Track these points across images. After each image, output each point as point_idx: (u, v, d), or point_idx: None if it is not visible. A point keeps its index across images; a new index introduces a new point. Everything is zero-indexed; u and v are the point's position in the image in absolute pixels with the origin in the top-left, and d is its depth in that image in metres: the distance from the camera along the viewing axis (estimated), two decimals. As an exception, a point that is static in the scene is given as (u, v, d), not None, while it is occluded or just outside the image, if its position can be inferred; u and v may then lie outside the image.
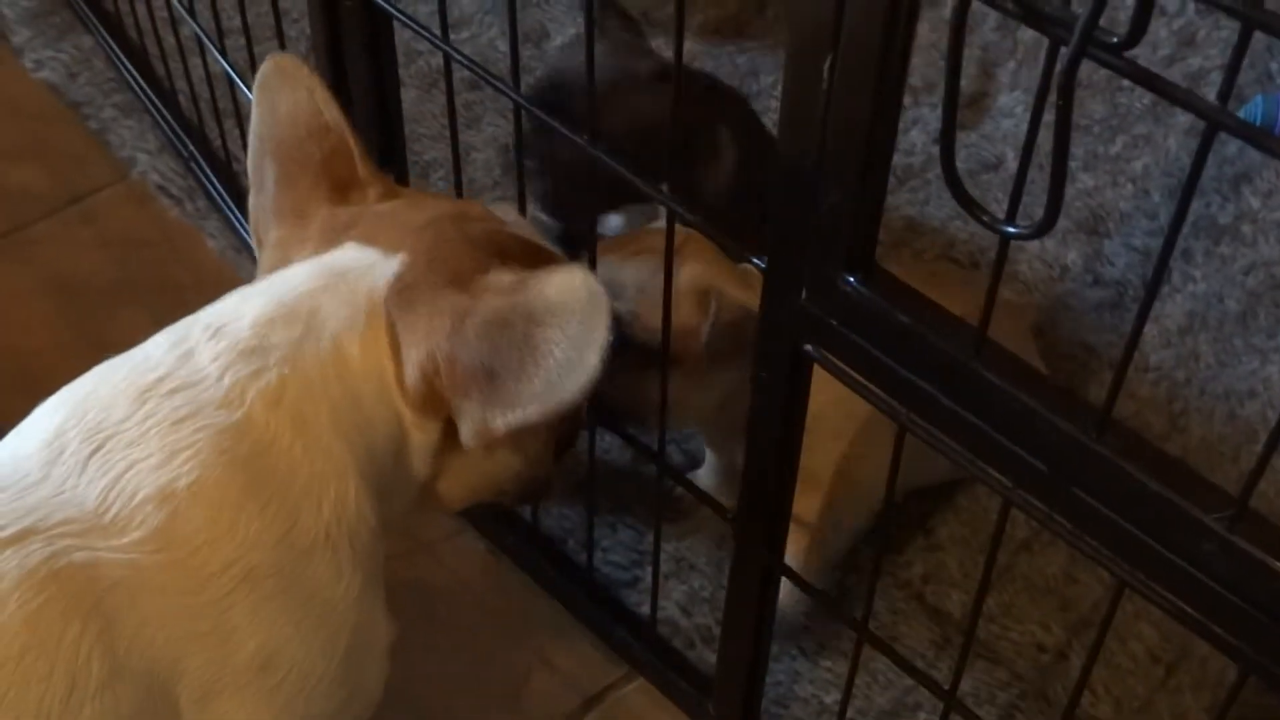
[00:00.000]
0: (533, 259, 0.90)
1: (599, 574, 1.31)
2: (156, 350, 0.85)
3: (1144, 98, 1.79)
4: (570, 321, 0.80)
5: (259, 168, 0.95)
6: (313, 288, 0.86)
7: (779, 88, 1.22)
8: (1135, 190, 1.69)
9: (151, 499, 0.78)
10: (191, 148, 1.68)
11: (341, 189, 0.93)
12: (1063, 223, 1.62)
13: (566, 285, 0.80)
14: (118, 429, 0.80)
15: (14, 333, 1.58)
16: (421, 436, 0.86)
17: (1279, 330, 1.54)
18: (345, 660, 0.85)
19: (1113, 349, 1.51)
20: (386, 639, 0.90)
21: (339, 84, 1.14)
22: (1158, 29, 1.88)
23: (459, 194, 1.20)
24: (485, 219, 0.95)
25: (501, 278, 0.84)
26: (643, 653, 1.27)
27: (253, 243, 0.97)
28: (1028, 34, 1.85)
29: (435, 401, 0.84)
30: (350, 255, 0.88)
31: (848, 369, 0.86)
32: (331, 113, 0.93)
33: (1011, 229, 0.70)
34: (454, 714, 1.27)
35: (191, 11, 1.50)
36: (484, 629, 1.32)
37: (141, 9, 1.68)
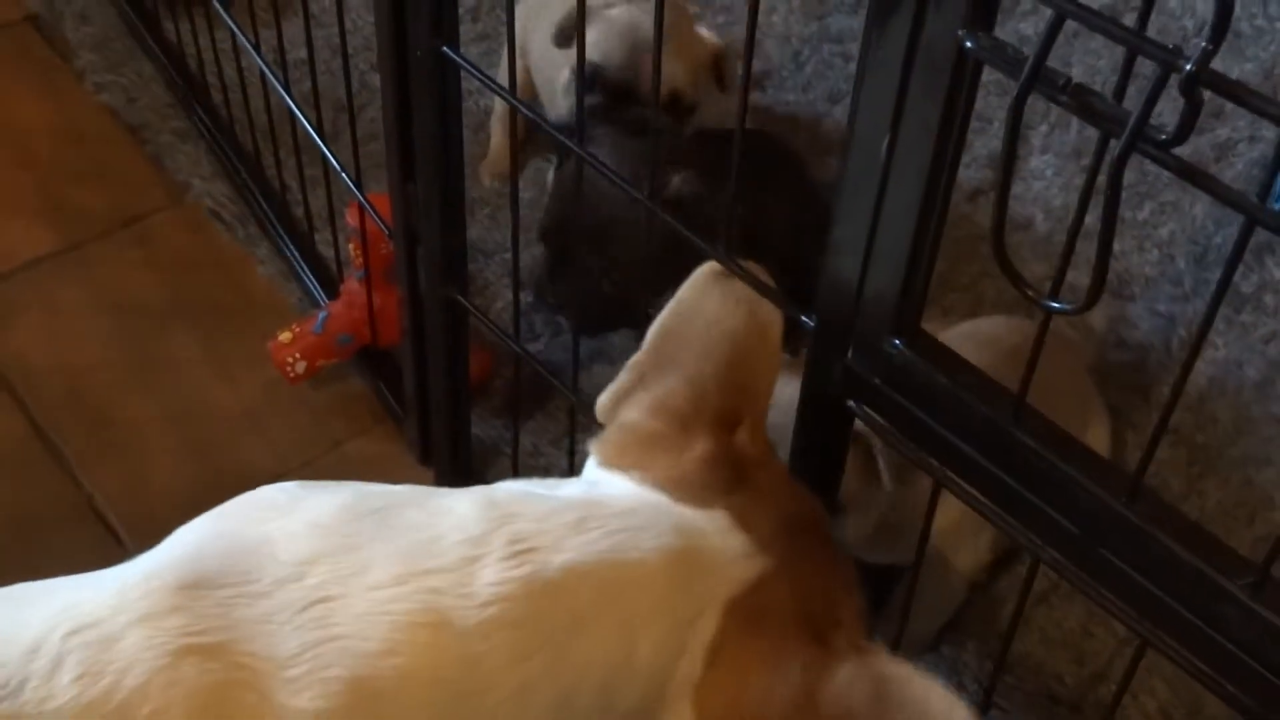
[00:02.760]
0: (848, 585, 0.84)
1: None
2: (454, 534, 0.76)
3: (1172, 166, 1.83)
4: None
5: (670, 350, 0.88)
6: (660, 562, 0.77)
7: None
8: (1161, 256, 1.73)
9: (339, 680, 0.71)
10: (245, 175, 1.73)
11: (732, 427, 0.86)
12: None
13: (949, 713, 0.74)
14: (352, 592, 0.73)
15: (68, 349, 1.63)
16: None
17: (1297, 398, 1.58)
18: None
19: (1135, 411, 1.55)
20: None
21: (404, 130, 1.19)
22: (1187, 99, 1.92)
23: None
24: (826, 521, 0.89)
25: (861, 648, 0.78)
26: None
27: (607, 398, 0.88)
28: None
29: None
30: (715, 533, 0.79)
31: (889, 426, 0.90)
32: (778, 347, 0.89)
33: (1055, 304, 0.75)
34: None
35: (256, 45, 1.55)
36: None
37: (204, 40, 1.73)
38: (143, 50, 1.90)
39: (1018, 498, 0.84)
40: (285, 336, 1.51)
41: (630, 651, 0.76)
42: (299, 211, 1.65)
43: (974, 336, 1.38)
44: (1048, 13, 0.70)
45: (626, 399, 0.87)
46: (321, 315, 1.52)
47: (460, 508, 0.77)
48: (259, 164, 1.72)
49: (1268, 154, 1.86)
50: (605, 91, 1.59)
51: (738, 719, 0.77)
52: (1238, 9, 2.18)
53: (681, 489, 0.81)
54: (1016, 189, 1.81)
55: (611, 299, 1.42)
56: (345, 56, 1.36)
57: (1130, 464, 1.47)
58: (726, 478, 0.82)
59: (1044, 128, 1.88)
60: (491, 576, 0.74)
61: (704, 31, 1.72)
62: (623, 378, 0.87)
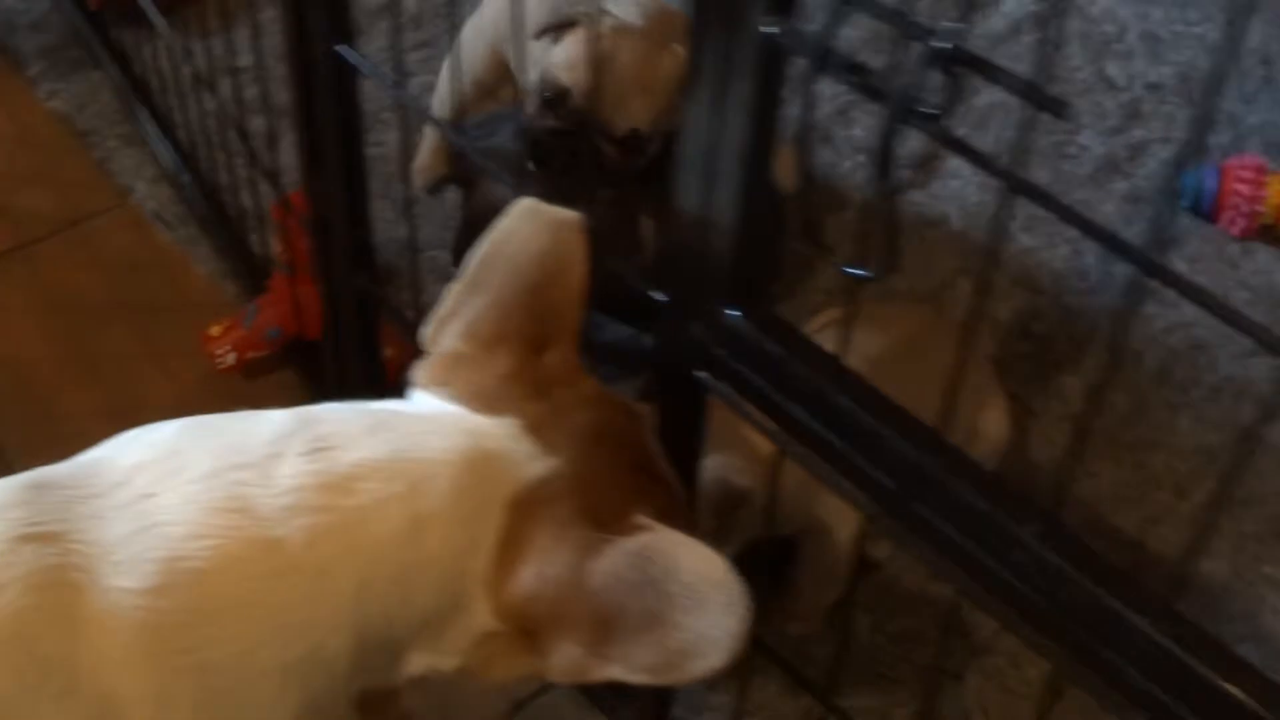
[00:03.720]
0: (670, 500, 0.91)
1: None
2: (263, 436, 0.85)
3: (1086, 165, 1.90)
4: (705, 612, 0.79)
5: (483, 277, 0.94)
6: (445, 459, 0.85)
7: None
8: (1070, 251, 1.79)
9: (154, 561, 0.80)
10: (186, 177, 1.80)
11: (539, 348, 0.92)
12: (1001, 280, 1.73)
13: (708, 572, 0.80)
14: (170, 488, 0.82)
15: (13, 344, 1.69)
16: (490, 639, 0.86)
17: (1192, 387, 1.64)
18: None
19: (1035, 398, 1.61)
20: None
21: (310, 126, 1.26)
22: (1105, 101, 1.99)
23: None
24: (643, 439, 0.94)
25: (640, 527, 0.83)
26: None
27: (430, 325, 0.94)
28: (980, 101, 1.97)
29: (528, 622, 0.85)
30: (506, 437, 0.87)
31: (734, 395, 0.96)
32: (583, 272, 0.94)
33: (853, 270, 0.81)
34: None
35: (189, 53, 1.62)
36: None
37: (147, 49, 1.80)
38: (91, 58, 1.97)
39: (845, 459, 0.90)
40: (215, 330, 1.58)
41: (419, 543, 0.83)
42: (235, 212, 1.71)
43: (872, 320, 1.43)
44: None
45: (445, 325, 0.93)
46: (251, 309, 1.58)
47: (276, 417, 0.86)
48: (198, 165, 1.78)
49: (1180, 155, 1.93)
50: (565, 118, 1.48)
51: (521, 608, 0.84)
52: (1159, 14, 2.24)
53: (479, 401, 0.89)
54: (934, 187, 1.87)
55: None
56: (260, 62, 1.42)
57: (1031, 449, 1.54)
58: (525, 392, 0.89)
59: (963, 130, 1.94)
60: (289, 469, 0.83)
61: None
62: (443, 304, 0.93)
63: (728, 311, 0.92)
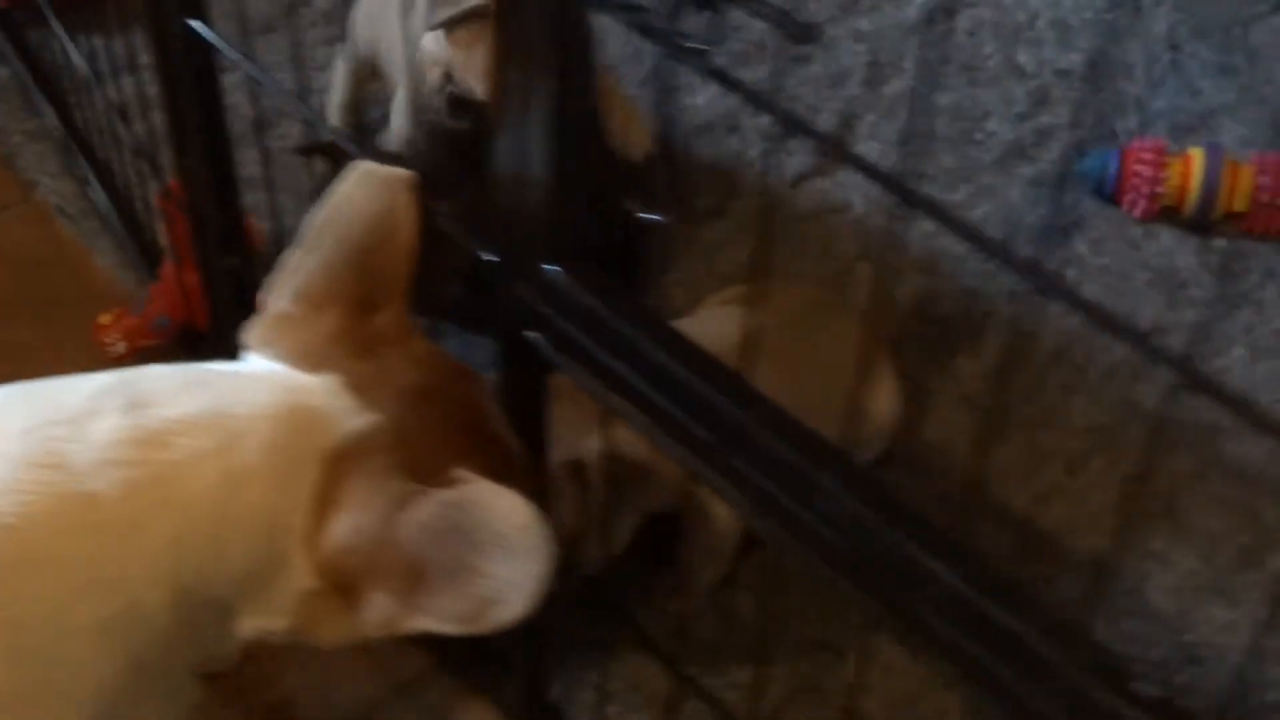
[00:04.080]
0: (502, 460, 0.92)
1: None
2: (75, 397, 0.85)
3: (993, 151, 1.90)
4: (509, 559, 0.80)
5: (318, 240, 0.95)
6: (262, 414, 0.85)
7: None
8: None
9: None
10: (88, 171, 1.80)
11: (369, 309, 0.93)
12: (900, 264, 1.73)
13: (514, 519, 0.81)
14: None
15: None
16: (313, 597, 0.86)
17: (1088, 366, 1.64)
18: None
19: (931, 379, 1.61)
20: None
21: (174, 106, 1.25)
22: (1014, 87, 1.99)
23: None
24: (475, 401, 0.95)
25: (456, 480, 0.84)
26: None
27: (266, 288, 0.95)
28: (891, 89, 1.97)
29: (344, 576, 0.85)
30: (325, 393, 0.88)
31: (561, 354, 0.96)
32: (412, 233, 0.94)
33: (645, 216, 0.81)
34: None
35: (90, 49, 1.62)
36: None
37: (53, 45, 1.81)
38: (-1, 56, 1.98)
39: (663, 413, 0.90)
40: (105, 319, 1.57)
41: (234, 498, 0.83)
42: (133, 204, 1.71)
43: (764, 299, 1.43)
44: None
45: (278, 288, 0.94)
46: (142, 298, 1.58)
47: (99, 378, 0.87)
48: (97, 159, 1.78)
49: (1084, 139, 1.93)
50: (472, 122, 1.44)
51: (336, 561, 0.84)
52: (1069, 2, 2.24)
53: (304, 360, 0.89)
54: (840, 176, 1.87)
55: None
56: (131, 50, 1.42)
57: (926, 430, 1.53)
58: (350, 351, 0.89)
59: (870, 117, 1.95)
60: (106, 425, 0.83)
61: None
62: (280, 270, 0.94)
63: (547, 268, 0.92)
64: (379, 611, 0.85)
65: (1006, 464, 1.52)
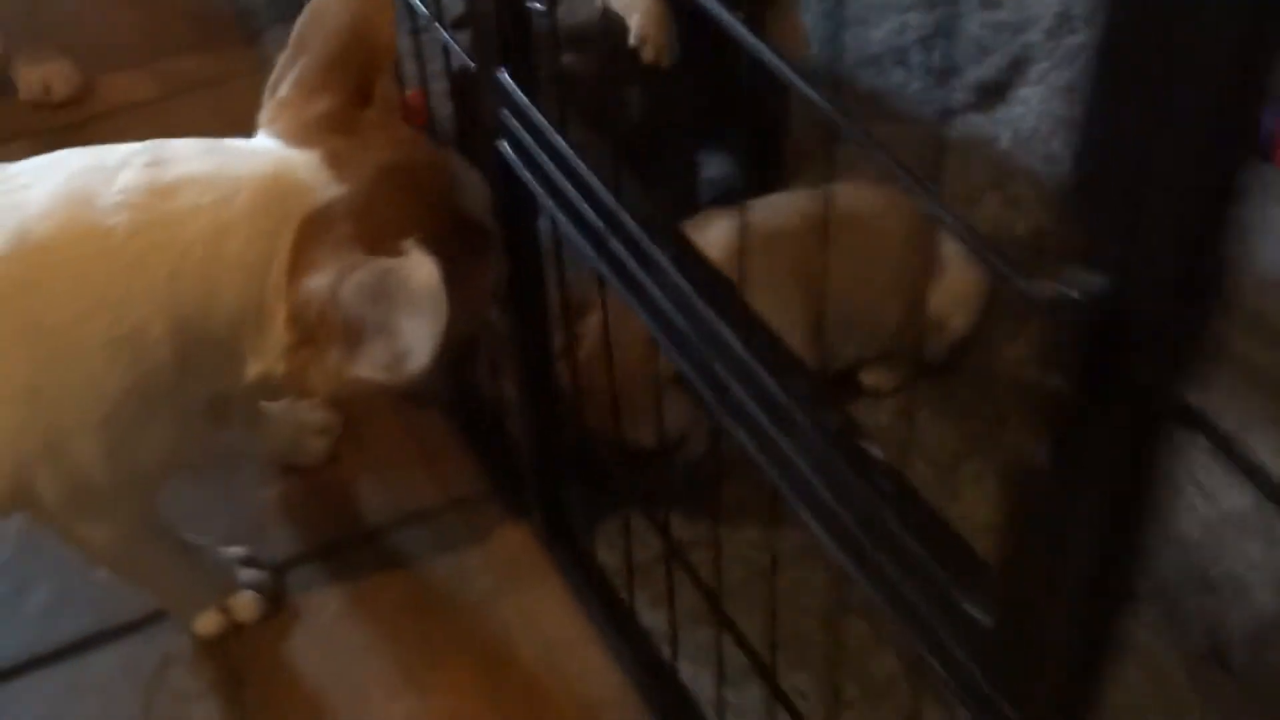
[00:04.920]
0: (457, 235, 1.08)
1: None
2: (116, 155, 1.05)
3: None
4: (416, 317, 0.96)
5: (305, 41, 1.11)
6: (255, 176, 1.03)
7: None
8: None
9: (10, 232, 1.01)
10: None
11: (356, 98, 1.10)
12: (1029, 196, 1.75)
13: (424, 283, 0.95)
14: (38, 183, 1.03)
15: None
16: (297, 346, 1.03)
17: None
18: (107, 442, 1.06)
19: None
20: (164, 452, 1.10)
21: None
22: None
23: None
24: (441, 180, 1.11)
25: (401, 251, 0.98)
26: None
27: (266, 92, 1.13)
28: (1071, 41, 1.97)
29: (306, 330, 1.01)
30: (306, 166, 1.04)
31: (518, 160, 1.07)
32: (389, 32, 1.11)
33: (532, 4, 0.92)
34: None
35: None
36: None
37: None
38: None
39: (584, 221, 0.99)
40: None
41: (222, 246, 1.01)
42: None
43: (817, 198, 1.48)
44: None
45: (278, 82, 1.11)
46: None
47: (139, 144, 1.06)
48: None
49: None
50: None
51: (298, 316, 1.00)
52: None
53: (295, 137, 1.06)
54: (997, 112, 1.89)
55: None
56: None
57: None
58: (334, 131, 1.06)
59: (1044, 63, 1.96)
60: (129, 175, 1.03)
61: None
62: (278, 63, 1.11)
63: (500, 74, 1.04)
64: (331, 363, 1.01)
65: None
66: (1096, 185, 0.51)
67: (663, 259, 0.88)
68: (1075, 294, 0.53)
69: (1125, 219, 0.50)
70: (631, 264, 0.92)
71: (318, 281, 1.00)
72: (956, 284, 1.51)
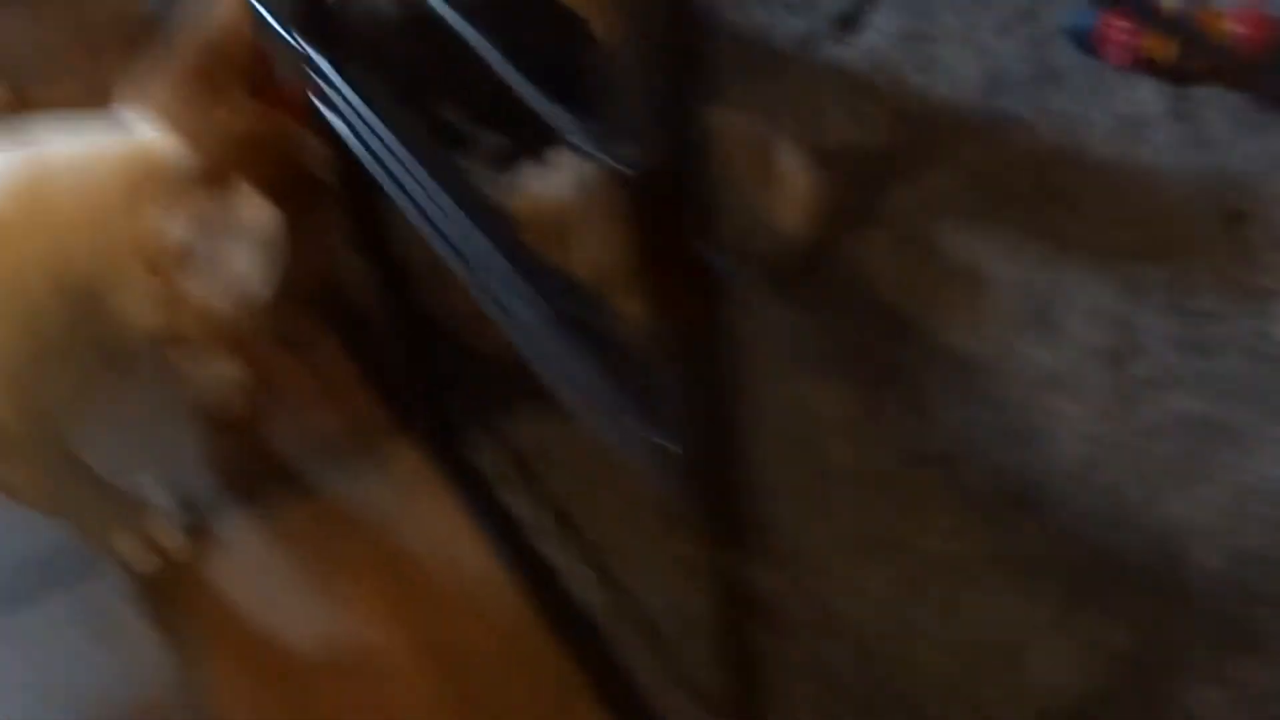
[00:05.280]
0: (299, 189, 1.26)
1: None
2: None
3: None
4: (247, 240, 1.16)
5: (185, 34, 1.29)
6: (114, 153, 1.22)
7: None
8: (949, 84, 1.93)
9: None
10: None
11: (219, 84, 1.28)
12: (880, 114, 1.88)
13: (257, 218, 1.17)
14: None
15: None
16: (160, 301, 1.22)
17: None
18: None
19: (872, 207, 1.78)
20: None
21: None
22: None
23: None
24: (288, 145, 1.28)
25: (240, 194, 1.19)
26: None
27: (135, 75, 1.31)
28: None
29: (160, 269, 1.20)
30: (163, 140, 1.23)
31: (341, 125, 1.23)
32: (247, 37, 1.29)
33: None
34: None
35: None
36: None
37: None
38: None
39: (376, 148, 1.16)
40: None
41: (90, 212, 1.18)
42: None
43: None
44: None
45: (157, 68, 1.28)
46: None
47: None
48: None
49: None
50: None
51: (154, 255, 1.19)
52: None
53: (161, 115, 1.24)
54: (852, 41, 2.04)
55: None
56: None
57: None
58: (198, 110, 1.24)
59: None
60: (4, 158, 1.22)
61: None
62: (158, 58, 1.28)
63: (316, 57, 1.20)
64: (190, 296, 1.19)
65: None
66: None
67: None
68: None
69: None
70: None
71: (162, 221, 1.18)
72: (792, 192, 1.67)
